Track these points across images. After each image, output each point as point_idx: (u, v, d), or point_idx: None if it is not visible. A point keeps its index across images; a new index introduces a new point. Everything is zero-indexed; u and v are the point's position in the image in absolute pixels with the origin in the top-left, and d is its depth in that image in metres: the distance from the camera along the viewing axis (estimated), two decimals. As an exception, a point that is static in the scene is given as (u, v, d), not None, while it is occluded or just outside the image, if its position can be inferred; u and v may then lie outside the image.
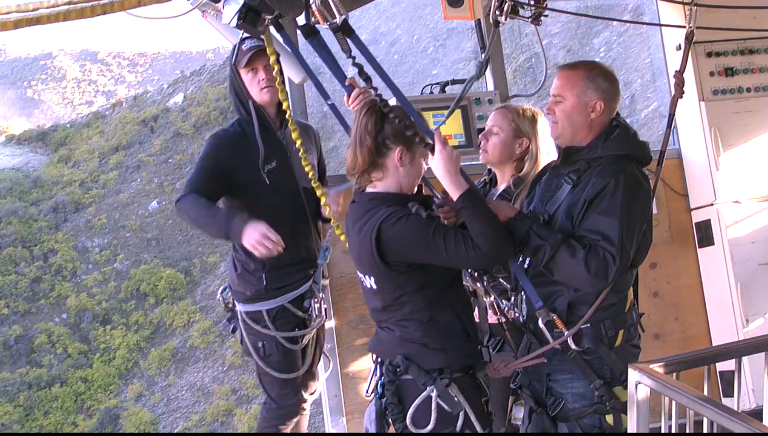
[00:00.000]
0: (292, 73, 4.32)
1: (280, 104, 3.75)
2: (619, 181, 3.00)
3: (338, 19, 3.12)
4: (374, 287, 3.02)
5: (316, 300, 3.92)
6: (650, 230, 3.18)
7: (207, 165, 3.79)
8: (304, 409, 4.06)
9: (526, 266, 3.20)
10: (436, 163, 2.98)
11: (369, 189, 3.05)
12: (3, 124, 48.48)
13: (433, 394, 2.92)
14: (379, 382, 3.06)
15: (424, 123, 3.14)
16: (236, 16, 3.05)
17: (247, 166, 3.75)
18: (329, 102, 3.50)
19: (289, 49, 3.66)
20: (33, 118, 57.67)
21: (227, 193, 3.81)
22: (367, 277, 3.05)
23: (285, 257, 3.64)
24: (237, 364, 26.70)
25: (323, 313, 3.99)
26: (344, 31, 3.20)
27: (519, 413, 3.34)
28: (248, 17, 3.07)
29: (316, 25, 3.25)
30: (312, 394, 4.09)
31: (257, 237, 3.51)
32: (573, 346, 3.06)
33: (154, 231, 32.98)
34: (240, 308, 3.88)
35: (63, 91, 70.25)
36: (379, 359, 3.11)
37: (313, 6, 3.09)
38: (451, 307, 3.02)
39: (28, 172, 37.00)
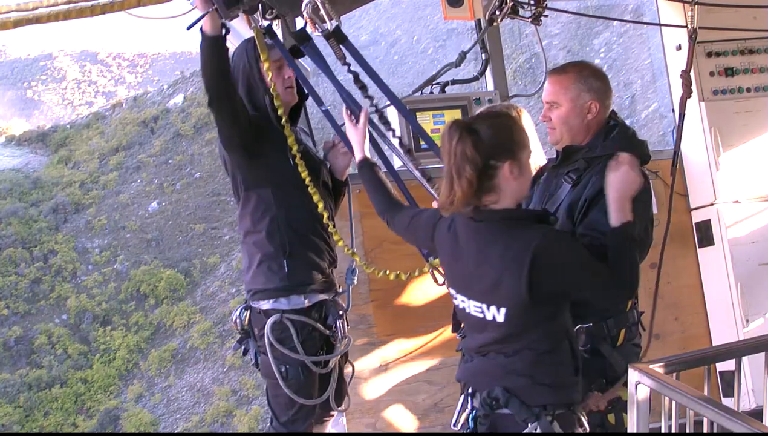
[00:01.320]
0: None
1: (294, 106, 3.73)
2: None
3: (329, 25, 3.08)
4: (499, 319, 2.69)
5: (340, 317, 3.73)
6: (652, 228, 3.17)
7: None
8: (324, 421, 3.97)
9: None
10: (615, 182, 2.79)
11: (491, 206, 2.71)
12: (3, 125, 48.50)
13: (537, 431, 2.67)
14: (471, 415, 2.81)
15: (423, 131, 3.15)
16: None
17: (275, 157, 3.62)
18: (323, 108, 3.47)
19: (283, 55, 3.63)
20: (33, 119, 57.68)
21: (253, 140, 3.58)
22: (491, 307, 2.70)
23: (306, 249, 3.59)
24: (237, 365, 26.70)
25: (347, 334, 3.78)
26: (337, 37, 3.18)
27: None
28: None
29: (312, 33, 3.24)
30: (327, 419, 3.97)
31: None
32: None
33: (154, 232, 32.99)
34: (264, 306, 3.64)
35: (63, 92, 70.26)
36: (471, 390, 2.83)
37: (305, 12, 3.07)
38: (567, 336, 2.77)
39: (28, 173, 37.01)
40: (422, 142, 4.73)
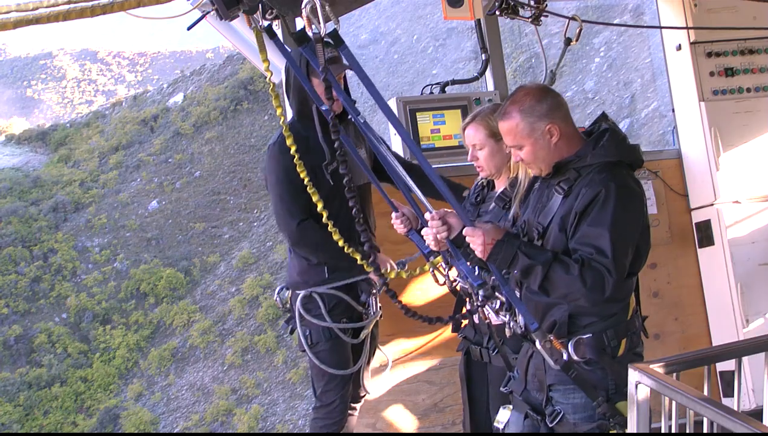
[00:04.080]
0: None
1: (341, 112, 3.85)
2: (610, 191, 2.93)
3: (321, 28, 3.06)
4: None
5: (373, 295, 4.00)
6: (648, 234, 3.11)
7: (288, 182, 3.92)
8: (352, 408, 4.10)
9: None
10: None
11: None
12: (3, 124, 48.42)
13: None
14: None
15: (416, 148, 3.17)
16: None
17: (310, 169, 3.77)
18: (324, 107, 3.48)
19: (284, 55, 3.64)
20: (33, 118, 57.61)
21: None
22: None
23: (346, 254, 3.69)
24: (237, 364, 26.70)
25: (379, 309, 4.06)
26: (334, 41, 3.17)
27: (503, 417, 3.28)
28: None
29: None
30: (363, 396, 4.11)
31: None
32: (575, 357, 2.99)
33: (154, 231, 32.96)
34: (298, 294, 3.98)
35: (63, 90, 70.19)
36: None
37: (303, 12, 3.05)
38: None
39: (27, 171, 36.97)
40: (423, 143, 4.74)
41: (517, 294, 3.15)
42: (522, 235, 3.15)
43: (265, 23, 3.51)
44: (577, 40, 4.88)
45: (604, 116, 3.22)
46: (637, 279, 3.22)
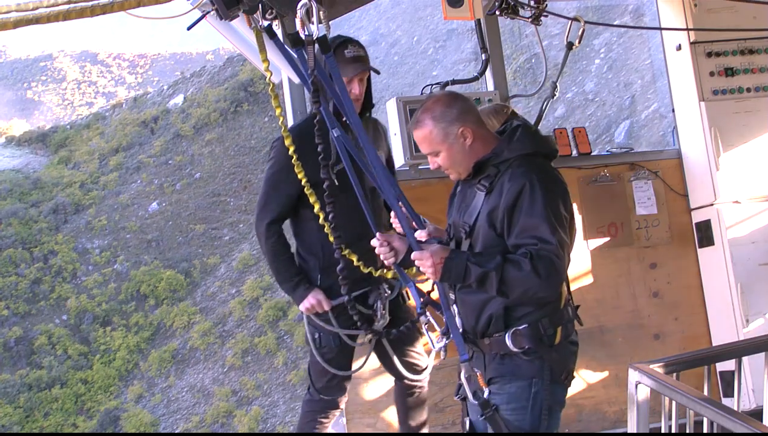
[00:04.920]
0: (291, 73, 4.32)
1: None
2: (534, 181, 2.97)
3: (314, 31, 3.05)
4: None
5: (382, 300, 3.97)
6: (573, 225, 3.12)
7: (277, 180, 3.92)
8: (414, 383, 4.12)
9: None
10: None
11: None
12: (3, 126, 48.48)
13: None
14: None
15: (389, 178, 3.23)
16: None
17: (316, 165, 3.65)
18: (336, 133, 3.48)
19: (283, 55, 3.63)
20: (33, 120, 57.66)
21: (299, 196, 3.85)
22: None
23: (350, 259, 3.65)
24: (237, 365, 26.71)
25: (387, 313, 4.01)
26: (321, 46, 3.17)
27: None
28: None
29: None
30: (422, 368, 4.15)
31: (312, 302, 3.89)
32: (512, 348, 3.01)
33: (154, 232, 32.99)
34: None
35: (63, 92, 70.25)
36: None
37: (298, 13, 3.05)
38: None
39: (28, 173, 37.00)
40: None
41: (452, 297, 3.19)
42: (449, 238, 3.20)
43: (265, 23, 3.51)
44: (579, 42, 4.88)
45: (513, 114, 3.30)
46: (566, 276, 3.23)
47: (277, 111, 3.57)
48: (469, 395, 3.08)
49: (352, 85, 3.83)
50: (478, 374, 3.07)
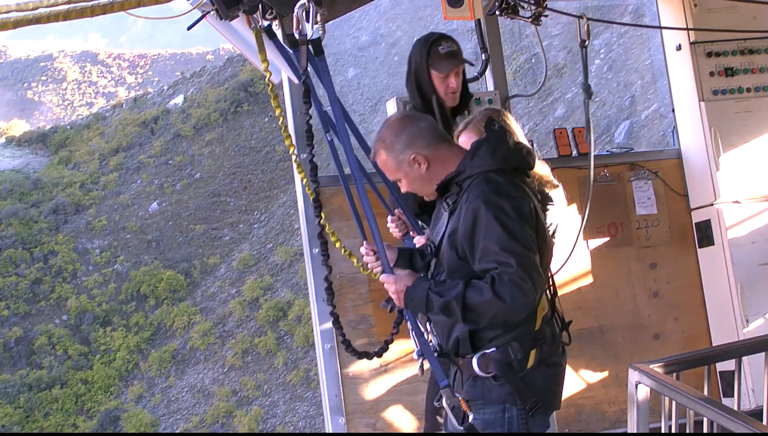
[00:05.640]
0: (291, 73, 4.32)
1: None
2: (489, 202, 2.87)
3: (309, 31, 3.04)
4: None
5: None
6: (544, 233, 3.05)
7: None
8: None
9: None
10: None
11: None
12: (3, 126, 48.46)
13: None
14: None
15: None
16: None
17: None
18: (328, 138, 3.49)
19: (282, 55, 3.64)
20: (33, 120, 57.64)
21: None
22: None
23: None
24: (237, 365, 26.70)
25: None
26: (314, 48, 3.17)
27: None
28: None
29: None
30: None
31: None
32: (479, 372, 2.94)
33: (155, 233, 32.97)
34: None
35: (63, 92, 70.21)
36: None
37: (295, 12, 3.04)
38: None
39: (28, 173, 36.98)
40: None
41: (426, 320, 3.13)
42: (426, 253, 3.16)
43: (265, 23, 3.51)
44: (588, 39, 4.85)
45: (490, 120, 3.20)
46: (554, 284, 3.19)
47: (277, 111, 3.57)
48: (455, 423, 2.99)
49: (449, 80, 3.98)
50: (460, 399, 2.97)
